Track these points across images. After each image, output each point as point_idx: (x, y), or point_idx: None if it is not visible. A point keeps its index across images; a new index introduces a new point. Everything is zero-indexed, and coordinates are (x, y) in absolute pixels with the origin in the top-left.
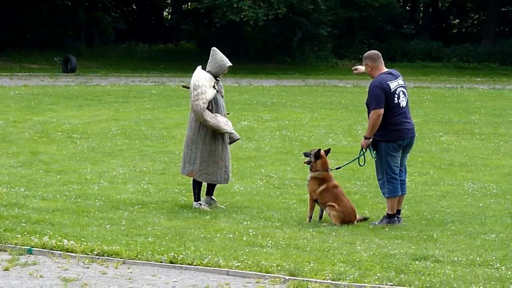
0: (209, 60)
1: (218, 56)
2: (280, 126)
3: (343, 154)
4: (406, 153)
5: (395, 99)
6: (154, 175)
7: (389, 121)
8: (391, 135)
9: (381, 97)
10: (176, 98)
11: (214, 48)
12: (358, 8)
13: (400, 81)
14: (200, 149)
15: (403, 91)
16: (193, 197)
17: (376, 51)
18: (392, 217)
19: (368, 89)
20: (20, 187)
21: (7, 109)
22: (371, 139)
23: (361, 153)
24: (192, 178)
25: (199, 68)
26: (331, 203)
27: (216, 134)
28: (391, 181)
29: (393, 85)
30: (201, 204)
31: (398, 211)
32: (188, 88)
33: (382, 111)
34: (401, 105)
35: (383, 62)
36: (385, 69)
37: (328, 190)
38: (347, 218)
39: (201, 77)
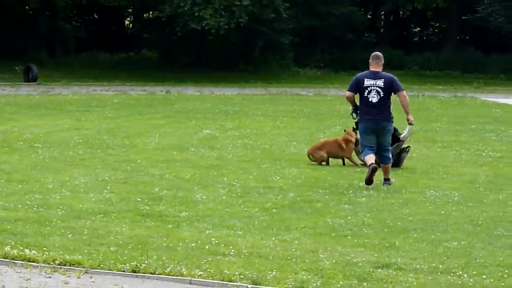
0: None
1: None
2: (242, 134)
3: (305, 162)
4: (380, 137)
5: (365, 93)
6: (116, 184)
7: (360, 108)
8: (359, 118)
9: (352, 83)
10: (138, 107)
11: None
12: (320, 16)
13: (379, 82)
14: None
15: (377, 90)
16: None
17: (376, 53)
18: (370, 165)
19: None
20: None
21: None
22: (353, 108)
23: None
24: None
25: None
26: None
27: None
28: (363, 150)
29: (367, 82)
30: None
31: (387, 179)
32: None
33: (348, 93)
34: (370, 100)
35: (376, 63)
36: (375, 69)
37: None
38: None
39: None
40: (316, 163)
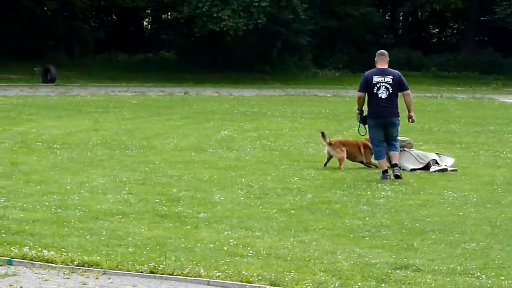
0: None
1: None
2: (260, 135)
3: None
4: (388, 130)
5: (374, 90)
6: (134, 185)
7: (369, 104)
8: (369, 114)
9: (361, 83)
10: (156, 108)
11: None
12: (338, 17)
13: (388, 78)
14: None
15: (386, 86)
16: None
17: (381, 51)
18: (384, 173)
19: None
20: (0, 198)
21: None
22: (358, 111)
23: (358, 123)
24: None
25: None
26: None
27: None
28: (375, 148)
29: (376, 79)
30: None
31: (395, 164)
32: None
33: (360, 94)
34: (379, 96)
35: (383, 60)
36: (381, 66)
37: None
38: None
39: None
40: (329, 157)
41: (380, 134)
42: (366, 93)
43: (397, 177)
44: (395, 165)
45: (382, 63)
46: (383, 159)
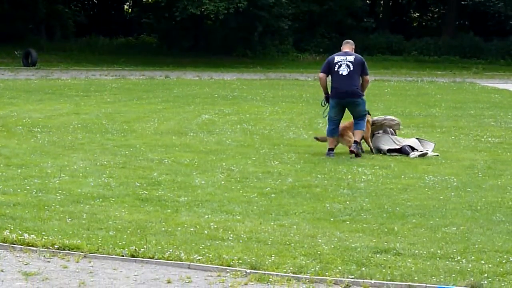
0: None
1: None
2: (241, 119)
3: (304, 147)
4: (351, 109)
5: (335, 68)
6: (115, 168)
7: (332, 83)
8: (331, 93)
9: (324, 65)
10: (136, 91)
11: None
12: (319, 1)
13: (350, 57)
14: None
15: (347, 64)
16: None
17: (346, 40)
18: (329, 151)
19: None
20: None
21: None
22: (325, 95)
23: (323, 106)
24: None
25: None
26: None
27: None
28: (329, 124)
29: (338, 58)
30: None
31: (356, 141)
32: None
33: (321, 74)
34: (340, 73)
35: (347, 47)
36: (345, 50)
37: None
38: None
39: None
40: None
41: (339, 114)
42: (329, 75)
43: (352, 152)
44: (356, 142)
45: (347, 48)
46: (333, 137)
